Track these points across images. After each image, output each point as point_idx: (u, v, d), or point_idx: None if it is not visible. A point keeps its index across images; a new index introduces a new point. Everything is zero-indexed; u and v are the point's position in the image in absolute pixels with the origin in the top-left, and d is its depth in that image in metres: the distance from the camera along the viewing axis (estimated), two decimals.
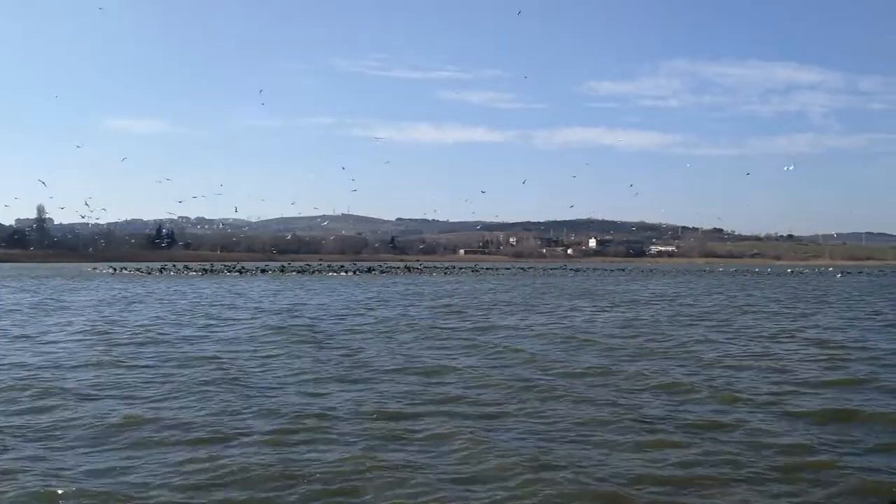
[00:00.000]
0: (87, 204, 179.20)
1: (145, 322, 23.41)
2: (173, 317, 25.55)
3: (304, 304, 32.49)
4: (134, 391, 11.69)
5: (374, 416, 10.07)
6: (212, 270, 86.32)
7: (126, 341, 18.05)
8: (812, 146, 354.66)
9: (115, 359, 14.97)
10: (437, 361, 14.86)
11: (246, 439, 8.88)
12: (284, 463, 7.89)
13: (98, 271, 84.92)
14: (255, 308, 29.83)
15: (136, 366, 14.16)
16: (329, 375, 13.19)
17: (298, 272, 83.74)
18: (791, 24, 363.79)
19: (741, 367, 14.46)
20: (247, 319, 24.57)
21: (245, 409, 10.44)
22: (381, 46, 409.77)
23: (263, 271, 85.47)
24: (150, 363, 14.53)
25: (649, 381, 12.77)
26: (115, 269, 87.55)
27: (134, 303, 33.03)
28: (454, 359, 15.38)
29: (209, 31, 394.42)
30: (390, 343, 17.97)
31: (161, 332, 20.45)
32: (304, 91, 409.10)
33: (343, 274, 79.13)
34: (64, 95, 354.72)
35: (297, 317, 25.37)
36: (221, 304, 32.06)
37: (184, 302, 33.65)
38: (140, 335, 19.39)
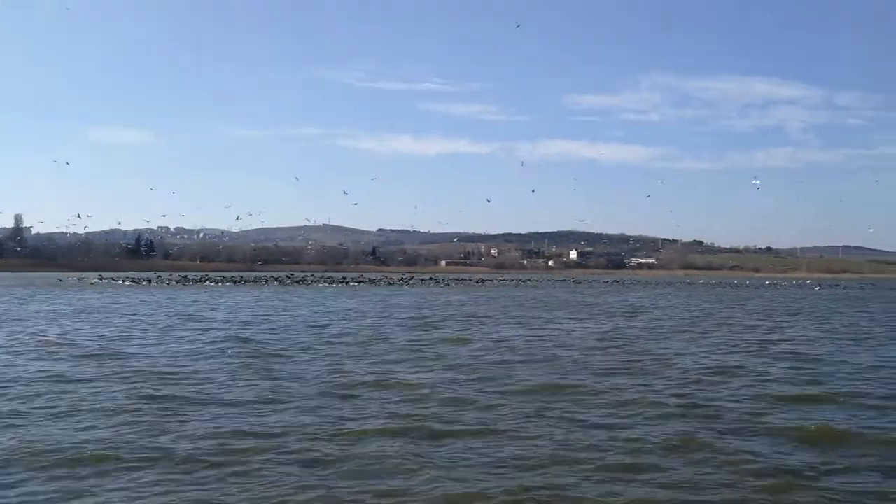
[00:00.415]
0: (79, 216, 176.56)
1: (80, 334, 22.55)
2: (114, 330, 24.78)
3: (269, 315, 31.81)
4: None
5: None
6: (195, 280, 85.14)
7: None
8: (791, 161, 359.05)
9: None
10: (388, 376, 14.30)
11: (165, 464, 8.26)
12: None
13: (82, 281, 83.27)
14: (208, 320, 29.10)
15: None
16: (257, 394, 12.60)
17: (279, 283, 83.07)
18: (770, 39, 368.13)
19: (718, 381, 14.03)
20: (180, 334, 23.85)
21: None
22: (366, 58, 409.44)
23: (236, 282, 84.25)
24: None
25: (622, 395, 12.30)
26: (101, 279, 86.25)
27: (87, 313, 31.96)
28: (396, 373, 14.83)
29: (193, 41, 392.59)
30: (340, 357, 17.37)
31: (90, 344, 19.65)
32: (288, 102, 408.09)
33: (325, 285, 78.40)
34: (46, 105, 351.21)
35: (245, 331, 24.55)
36: (182, 315, 31.14)
37: (147, 311, 32.83)
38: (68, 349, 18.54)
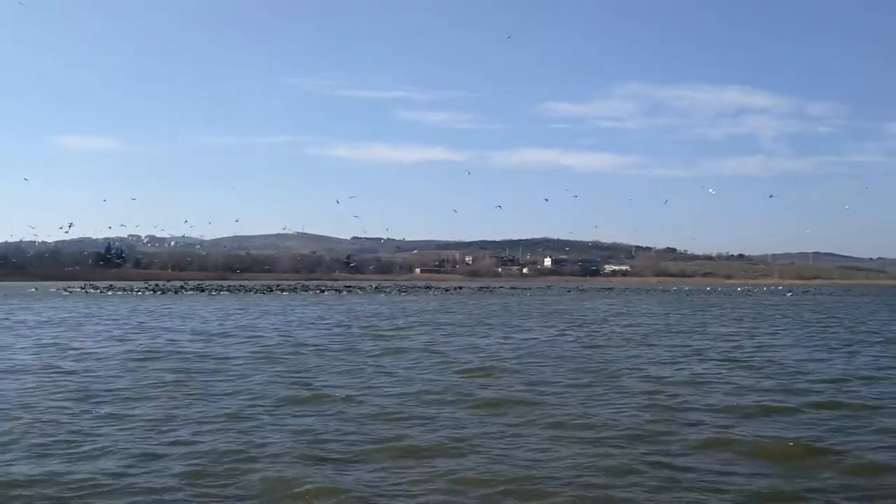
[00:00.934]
0: (67, 228, 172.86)
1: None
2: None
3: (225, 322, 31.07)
4: None
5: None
6: (164, 290, 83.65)
7: None
8: (762, 169, 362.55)
9: None
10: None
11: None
12: None
13: (52, 291, 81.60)
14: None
15: None
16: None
17: (249, 291, 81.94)
18: (741, 49, 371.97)
19: (690, 393, 13.60)
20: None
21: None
22: (338, 65, 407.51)
23: (202, 290, 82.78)
24: None
25: (589, 409, 11.83)
26: (68, 290, 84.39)
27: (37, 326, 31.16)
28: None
29: (162, 48, 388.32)
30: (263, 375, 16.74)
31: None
32: (259, 109, 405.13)
33: (301, 292, 77.43)
34: (14, 112, 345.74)
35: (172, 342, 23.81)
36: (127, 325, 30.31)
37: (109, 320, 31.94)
38: None
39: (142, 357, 18.53)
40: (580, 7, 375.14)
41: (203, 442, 9.45)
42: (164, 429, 10.20)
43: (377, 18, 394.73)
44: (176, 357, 18.56)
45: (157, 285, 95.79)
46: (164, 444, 9.39)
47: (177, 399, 12.45)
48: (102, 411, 11.32)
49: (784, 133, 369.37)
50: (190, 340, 23.31)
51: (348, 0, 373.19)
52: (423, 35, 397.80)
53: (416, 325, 31.50)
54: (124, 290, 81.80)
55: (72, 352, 19.97)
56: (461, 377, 15.43)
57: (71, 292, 76.10)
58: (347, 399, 12.46)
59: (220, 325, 30.69)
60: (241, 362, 17.52)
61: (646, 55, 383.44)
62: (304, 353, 19.61)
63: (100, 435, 9.79)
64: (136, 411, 11.40)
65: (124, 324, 31.06)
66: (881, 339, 25.97)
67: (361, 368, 16.59)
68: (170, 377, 14.90)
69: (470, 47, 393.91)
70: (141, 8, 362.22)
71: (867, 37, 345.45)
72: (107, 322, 32.31)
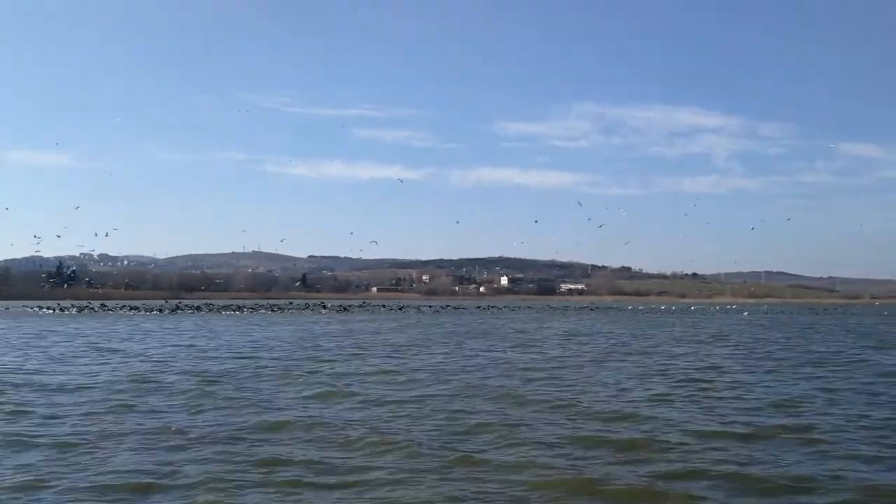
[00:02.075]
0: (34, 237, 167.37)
1: None
2: None
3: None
4: None
5: None
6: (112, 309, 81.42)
7: None
8: (715, 187, 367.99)
9: None
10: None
11: None
12: None
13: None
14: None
15: None
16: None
17: (194, 310, 80.00)
18: (695, 69, 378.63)
19: (634, 419, 13.12)
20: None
21: None
22: (294, 83, 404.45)
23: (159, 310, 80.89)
24: None
25: (514, 439, 11.24)
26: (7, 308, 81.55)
27: None
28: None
29: (115, 62, 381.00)
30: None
31: None
32: (214, 126, 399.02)
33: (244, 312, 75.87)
34: None
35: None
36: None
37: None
38: None
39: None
40: (536, 28, 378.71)
41: None
42: None
43: (334, 36, 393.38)
44: None
45: (88, 304, 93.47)
46: None
47: None
48: None
49: (735, 152, 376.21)
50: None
51: (305, 18, 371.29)
52: (379, 54, 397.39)
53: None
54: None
55: None
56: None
57: None
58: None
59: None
60: None
61: (600, 75, 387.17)
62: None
63: None
64: None
65: None
66: None
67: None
68: None
69: (427, 66, 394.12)
70: (93, 21, 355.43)
71: (817, 58, 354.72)
72: None
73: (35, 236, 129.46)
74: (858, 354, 27.48)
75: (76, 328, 44.25)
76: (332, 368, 21.06)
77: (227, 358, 24.25)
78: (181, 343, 31.76)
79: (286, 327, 46.67)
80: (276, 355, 25.25)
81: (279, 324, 51.84)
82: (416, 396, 15.39)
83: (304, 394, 15.76)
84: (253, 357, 24.50)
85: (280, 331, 42.15)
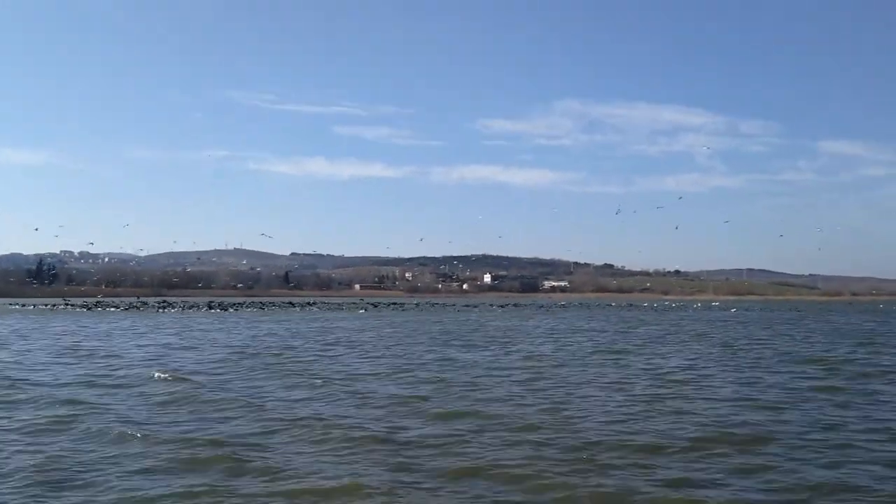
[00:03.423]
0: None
1: None
2: None
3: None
4: None
5: None
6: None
7: None
8: (697, 185, 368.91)
9: None
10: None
11: None
12: None
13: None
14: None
15: None
16: None
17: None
18: (677, 69, 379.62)
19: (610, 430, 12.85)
20: None
21: None
22: (275, 80, 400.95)
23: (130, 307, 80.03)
24: None
25: (478, 454, 10.93)
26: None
27: None
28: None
29: (94, 60, 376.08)
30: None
31: None
32: (195, 123, 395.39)
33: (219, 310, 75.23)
34: None
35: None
36: None
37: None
38: None
39: None
40: (518, 26, 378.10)
41: None
42: None
43: (316, 33, 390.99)
44: None
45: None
46: None
47: None
48: None
49: (717, 150, 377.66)
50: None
51: (287, 15, 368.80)
52: (362, 50, 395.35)
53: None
54: None
55: None
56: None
57: None
58: None
59: None
60: None
61: (582, 73, 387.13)
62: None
63: None
64: None
65: None
66: None
67: None
68: None
69: (409, 63, 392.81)
70: (72, 20, 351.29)
71: (800, 57, 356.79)
72: None
73: (14, 234, 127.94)
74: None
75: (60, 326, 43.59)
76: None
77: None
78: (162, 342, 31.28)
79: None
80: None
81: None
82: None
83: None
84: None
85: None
